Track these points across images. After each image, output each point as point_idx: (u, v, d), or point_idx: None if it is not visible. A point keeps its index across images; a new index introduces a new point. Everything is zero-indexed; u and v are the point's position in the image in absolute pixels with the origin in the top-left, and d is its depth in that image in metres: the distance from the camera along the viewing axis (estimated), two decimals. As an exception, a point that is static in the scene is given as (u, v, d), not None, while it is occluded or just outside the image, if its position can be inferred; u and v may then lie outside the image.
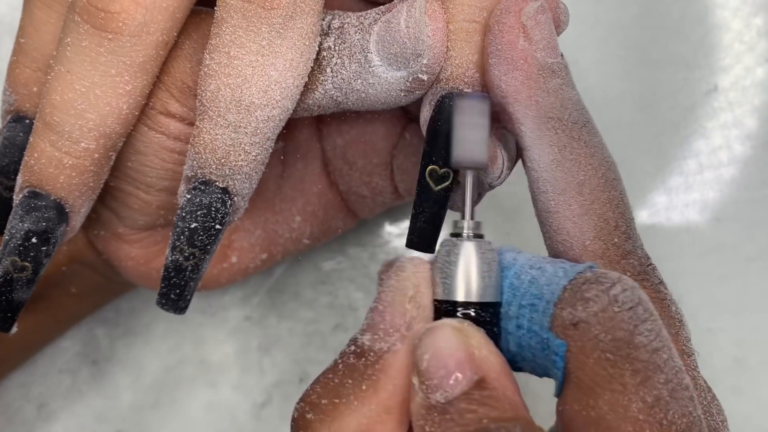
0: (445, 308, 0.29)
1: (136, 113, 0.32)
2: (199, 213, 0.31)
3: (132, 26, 0.30)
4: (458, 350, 0.27)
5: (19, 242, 0.31)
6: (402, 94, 0.32)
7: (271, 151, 0.32)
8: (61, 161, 0.31)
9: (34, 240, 0.31)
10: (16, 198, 0.32)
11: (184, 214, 0.31)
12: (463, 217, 0.30)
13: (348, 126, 0.40)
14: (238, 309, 0.48)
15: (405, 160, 0.40)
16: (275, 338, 0.48)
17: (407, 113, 0.40)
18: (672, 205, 0.48)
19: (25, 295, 0.32)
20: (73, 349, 0.47)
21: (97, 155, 0.32)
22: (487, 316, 0.29)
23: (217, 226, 0.32)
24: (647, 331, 0.26)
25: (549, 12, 0.31)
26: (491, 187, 0.33)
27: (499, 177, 0.32)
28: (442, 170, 0.31)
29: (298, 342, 0.48)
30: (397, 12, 0.31)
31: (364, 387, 0.28)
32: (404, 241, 0.33)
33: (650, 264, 0.31)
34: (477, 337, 0.27)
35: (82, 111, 0.31)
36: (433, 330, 0.27)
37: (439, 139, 0.31)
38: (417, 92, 0.32)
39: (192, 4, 0.31)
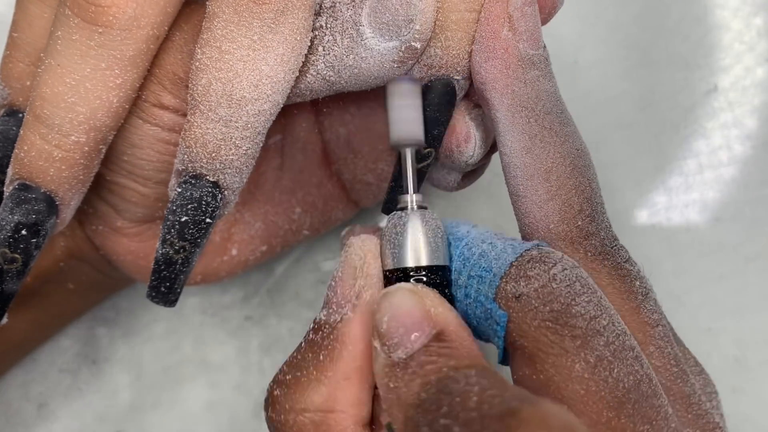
0: (396, 277, 0.30)
1: (127, 106, 0.32)
2: (189, 207, 0.31)
3: (122, 20, 0.30)
4: (415, 309, 0.28)
5: (9, 234, 0.32)
6: (395, 66, 0.32)
7: (261, 145, 0.32)
8: (50, 154, 0.31)
9: (24, 232, 0.32)
10: (7, 190, 0.32)
11: (174, 208, 0.32)
12: (406, 192, 0.32)
13: (350, 115, 0.40)
14: (239, 309, 0.48)
15: None
16: (275, 338, 0.48)
17: None
18: (672, 205, 0.48)
19: (15, 287, 0.33)
20: (73, 349, 0.47)
21: (87, 148, 0.32)
22: (437, 278, 0.30)
23: (207, 220, 0.32)
24: (584, 302, 0.28)
25: (536, 4, 0.32)
26: (467, 165, 0.34)
27: (473, 156, 0.34)
28: (426, 150, 0.33)
29: (298, 342, 0.48)
30: None
31: (321, 358, 0.30)
32: None
33: (615, 245, 0.32)
34: (431, 296, 0.29)
35: (72, 104, 0.31)
36: (389, 294, 0.29)
37: (425, 121, 0.33)
38: (409, 62, 0.32)
39: None
